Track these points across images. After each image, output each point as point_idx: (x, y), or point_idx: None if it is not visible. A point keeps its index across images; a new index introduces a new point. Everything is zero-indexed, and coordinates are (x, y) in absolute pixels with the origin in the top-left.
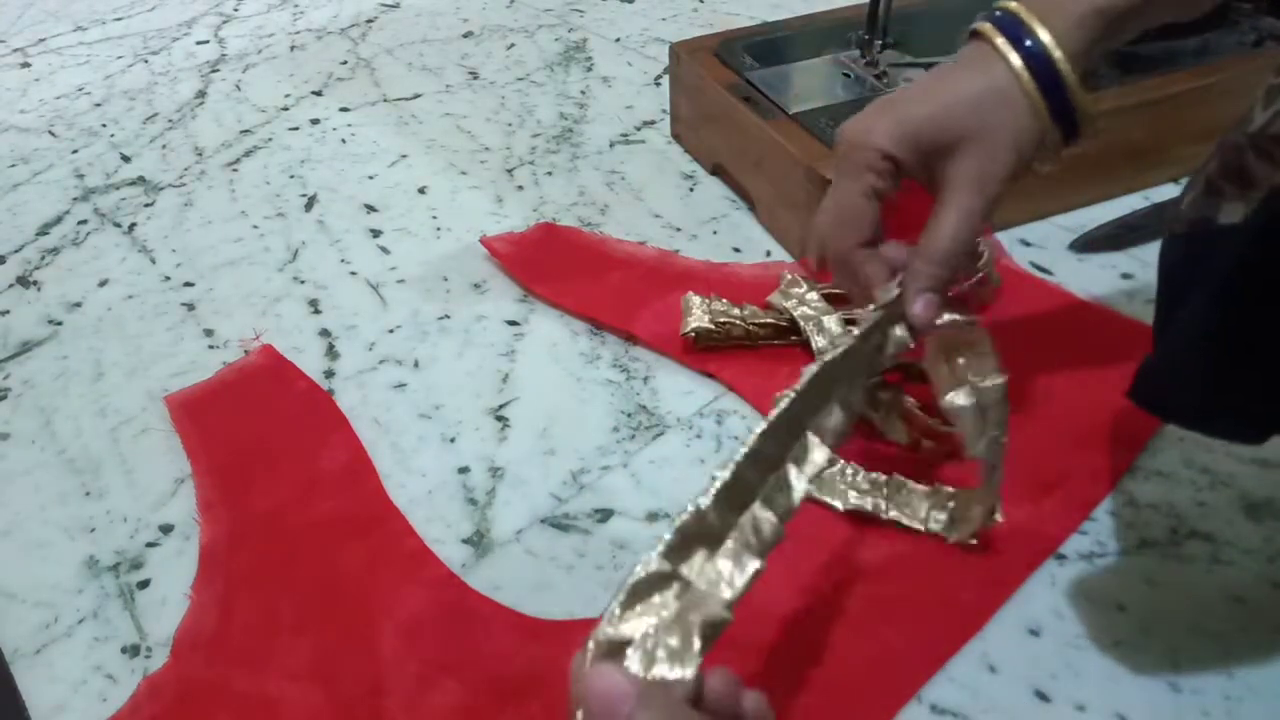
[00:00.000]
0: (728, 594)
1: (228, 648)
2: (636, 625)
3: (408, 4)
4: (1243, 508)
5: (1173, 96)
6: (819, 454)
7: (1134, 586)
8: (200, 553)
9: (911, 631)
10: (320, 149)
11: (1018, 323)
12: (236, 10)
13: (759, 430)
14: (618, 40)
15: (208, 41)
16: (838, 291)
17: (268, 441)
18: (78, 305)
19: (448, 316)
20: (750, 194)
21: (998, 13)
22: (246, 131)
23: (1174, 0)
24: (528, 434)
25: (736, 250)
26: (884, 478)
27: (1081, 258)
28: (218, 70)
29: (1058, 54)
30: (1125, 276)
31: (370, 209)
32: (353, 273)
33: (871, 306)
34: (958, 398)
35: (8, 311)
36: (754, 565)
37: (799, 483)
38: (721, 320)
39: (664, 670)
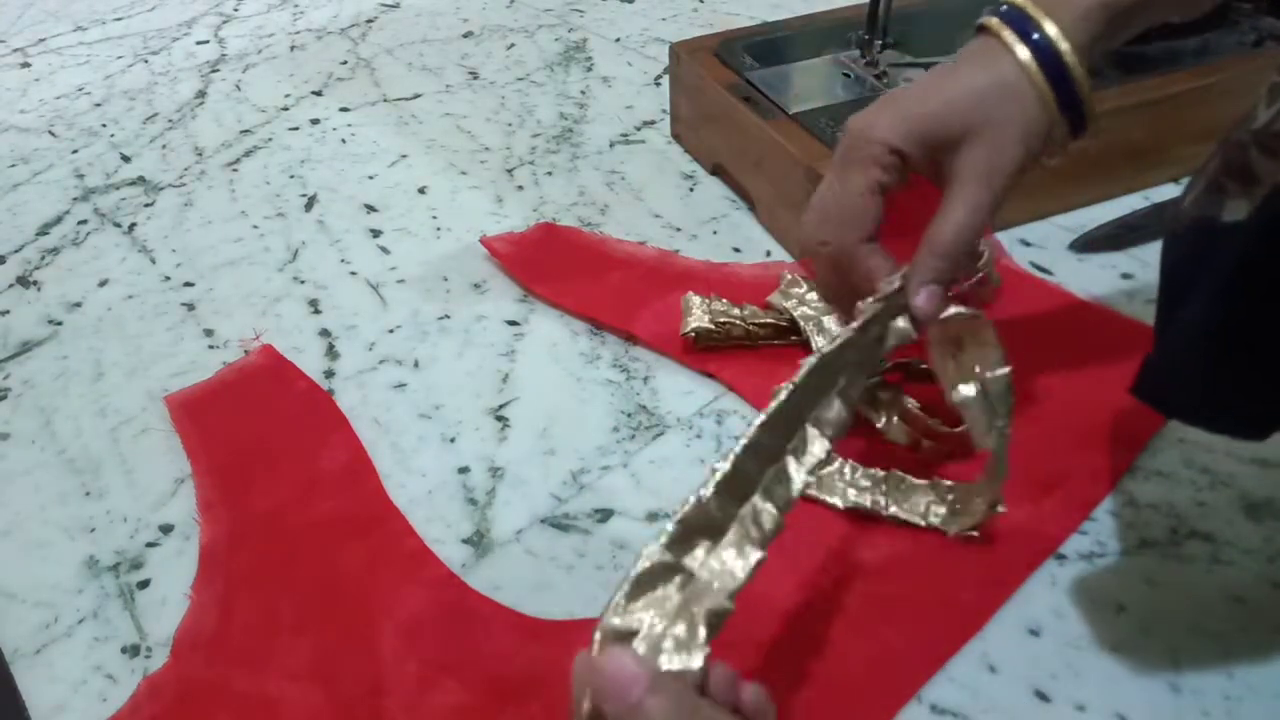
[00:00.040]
0: (730, 585)
1: (228, 648)
2: (641, 616)
3: (408, 4)
4: (1243, 508)
5: (1173, 96)
6: (818, 446)
7: (1134, 586)
8: (200, 553)
9: (911, 631)
10: (320, 149)
11: (1018, 323)
12: (236, 10)
13: (758, 422)
14: (618, 40)
15: (208, 41)
16: None
17: (268, 441)
18: (78, 305)
19: (448, 316)
20: (750, 194)
21: (1004, 7)
22: (246, 131)
23: None
24: (528, 434)
25: (736, 250)
26: (883, 473)
27: (1081, 258)
28: (218, 70)
29: (1064, 46)
30: (1125, 276)
31: (370, 209)
32: (353, 273)
33: (871, 298)
34: (966, 390)
35: (8, 311)
36: (756, 555)
37: (798, 475)
38: (721, 320)
39: (671, 660)
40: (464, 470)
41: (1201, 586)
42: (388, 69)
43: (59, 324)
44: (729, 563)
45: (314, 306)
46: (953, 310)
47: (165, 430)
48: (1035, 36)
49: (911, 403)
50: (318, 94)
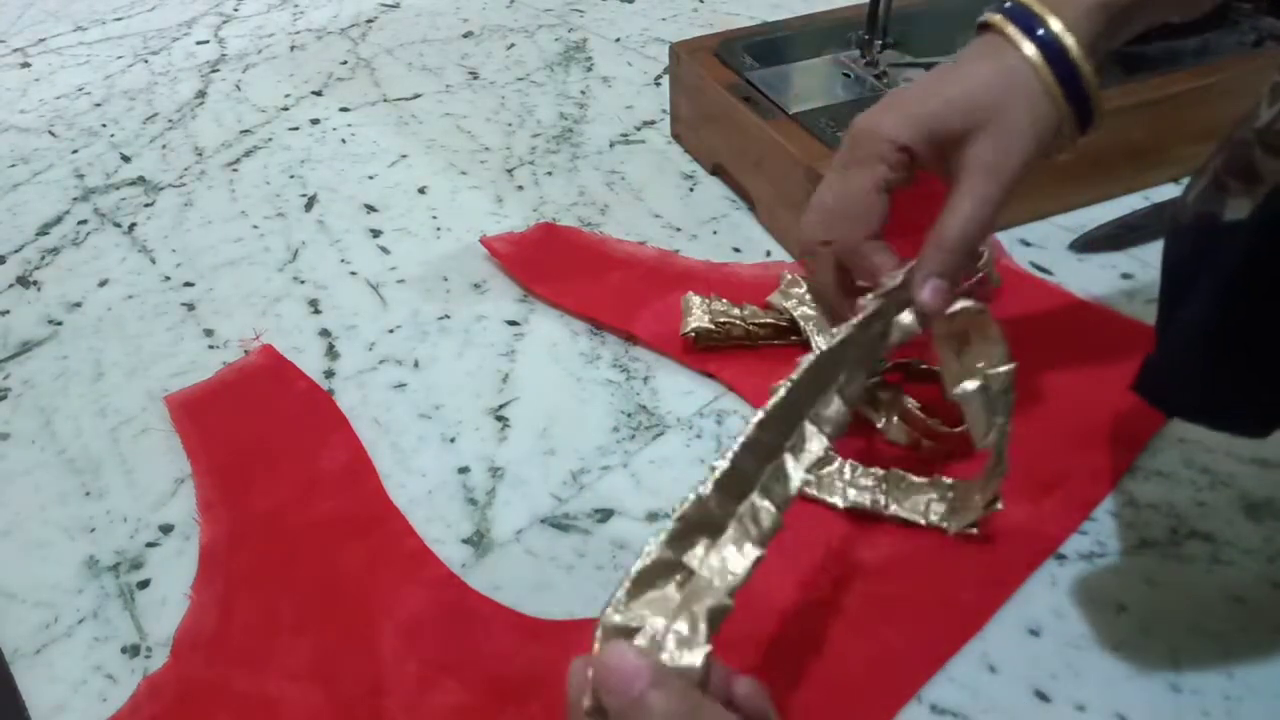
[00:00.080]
0: (730, 582)
1: (228, 648)
2: (643, 613)
3: (408, 4)
4: (1243, 508)
5: (1173, 96)
6: (816, 444)
7: (1134, 586)
8: (200, 553)
9: (911, 631)
10: (320, 149)
11: (1018, 323)
12: (236, 10)
13: (756, 420)
14: (618, 40)
15: (208, 41)
16: None
17: (268, 441)
18: (78, 305)
19: (448, 316)
20: (750, 194)
21: (1008, 4)
22: (246, 131)
23: None
24: (528, 434)
25: (736, 250)
26: (882, 471)
27: (1081, 258)
28: (218, 70)
29: (1070, 41)
30: (1125, 276)
31: (370, 209)
32: (353, 273)
33: (872, 294)
34: (968, 385)
35: (8, 311)
36: (755, 553)
37: (796, 472)
38: (721, 320)
39: (672, 657)
40: (464, 470)
41: (1201, 586)
42: (388, 69)
43: (59, 324)
44: (729, 560)
45: (314, 306)
46: (959, 305)
47: (165, 430)
48: (1040, 32)
49: (911, 403)
50: (318, 94)
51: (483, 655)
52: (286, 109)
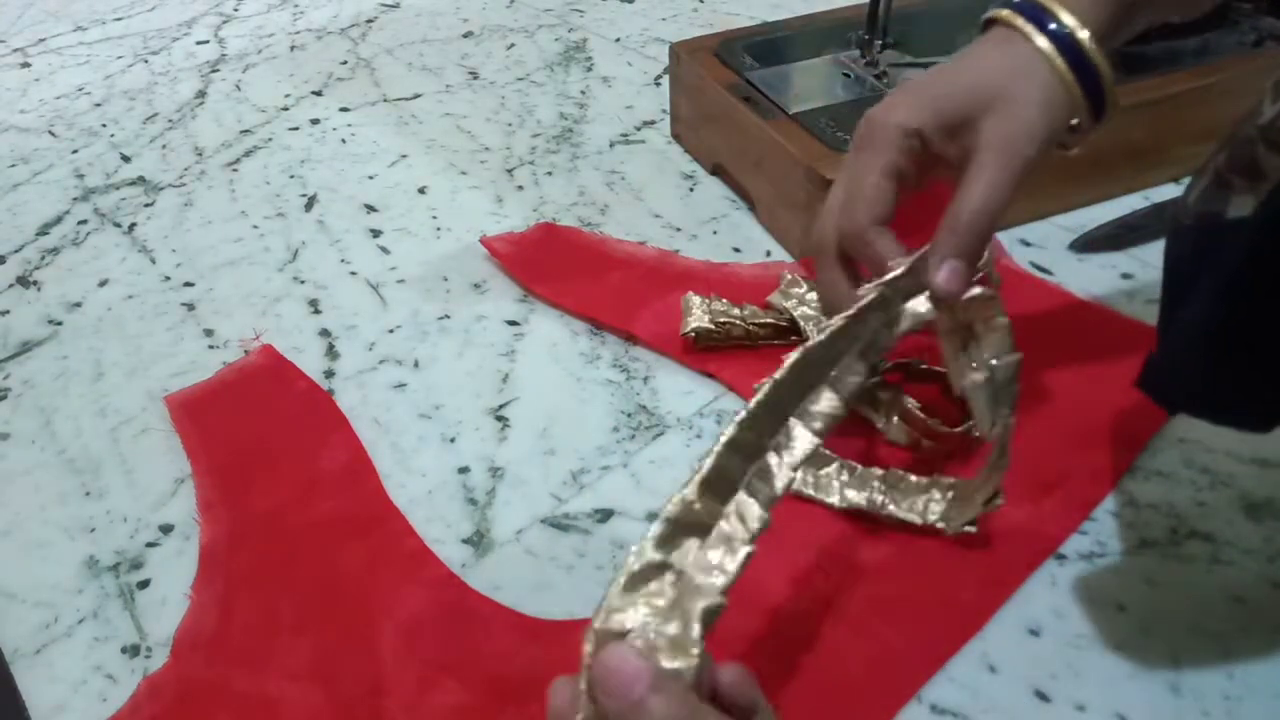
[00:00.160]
0: (721, 581)
1: (228, 648)
2: (634, 615)
3: (408, 4)
4: (1243, 508)
5: (1173, 96)
6: (803, 441)
7: (1134, 586)
8: (200, 553)
9: (911, 631)
10: (320, 149)
11: (1018, 323)
12: (236, 10)
13: (737, 419)
14: (618, 40)
15: (208, 41)
16: None
17: (268, 441)
18: (78, 305)
19: (448, 316)
20: (750, 194)
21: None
22: (246, 131)
23: None
24: (528, 434)
25: (736, 250)
26: (881, 471)
27: (1081, 258)
28: (218, 70)
29: (1083, 34)
30: (1125, 276)
31: (370, 209)
32: (353, 273)
33: (871, 283)
34: (974, 376)
35: (8, 311)
36: (744, 550)
37: (781, 470)
38: (721, 320)
39: (667, 659)
40: (464, 470)
41: (1201, 586)
42: (388, 69)
43: (59, 324)
44: (718, 559)
45: (314, 306)
46: (974, 291)
47: (165, 430)
48: (1052, 26)
49: (911, 403)
50: (318, 94)
51: (483, 655)
52: (286, 109)
